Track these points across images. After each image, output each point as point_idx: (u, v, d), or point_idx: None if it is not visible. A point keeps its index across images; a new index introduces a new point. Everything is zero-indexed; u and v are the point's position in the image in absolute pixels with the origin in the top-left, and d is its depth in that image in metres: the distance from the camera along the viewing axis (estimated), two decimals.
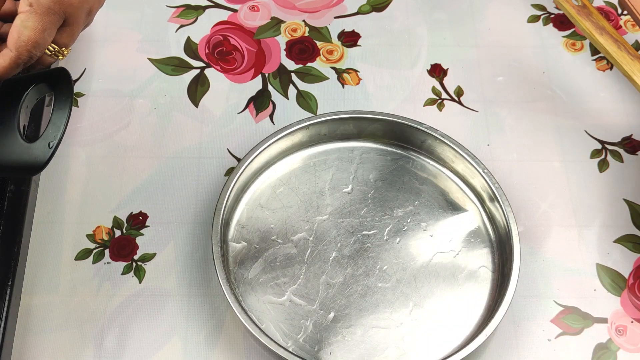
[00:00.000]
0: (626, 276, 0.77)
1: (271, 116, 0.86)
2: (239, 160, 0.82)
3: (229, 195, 0.75)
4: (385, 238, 0.77)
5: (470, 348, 0.68)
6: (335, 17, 0.94)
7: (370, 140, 0.82)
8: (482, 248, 0.77)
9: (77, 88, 0.85)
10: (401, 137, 0.81)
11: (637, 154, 0.85)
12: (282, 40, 0.91)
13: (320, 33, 0.92)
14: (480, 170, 0.77)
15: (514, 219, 0.74)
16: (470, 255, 0.76)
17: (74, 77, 0.70)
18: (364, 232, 0.77)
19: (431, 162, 0.81)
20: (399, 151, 0.81)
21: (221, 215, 0.73)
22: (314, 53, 0.91)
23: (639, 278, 0.77)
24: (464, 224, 0.78)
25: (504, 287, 0.71)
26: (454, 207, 0.79)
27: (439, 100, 0.88)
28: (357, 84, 0.89)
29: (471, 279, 0.75)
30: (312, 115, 0.80)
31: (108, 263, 0.76)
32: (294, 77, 0.89)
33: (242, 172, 0.76)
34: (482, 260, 0.76)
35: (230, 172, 0.81)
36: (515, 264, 0.72)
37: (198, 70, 0.89)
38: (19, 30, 0.57)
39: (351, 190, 0.79)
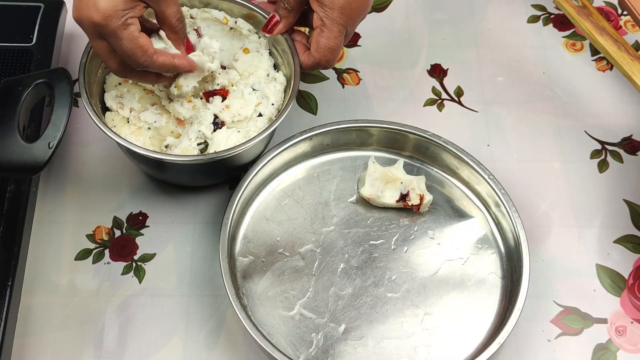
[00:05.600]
0: (626, 276, 0.77)
1: None
2: None
3: (234, 210, 0.74)
4: (392, 247, 0.76)
5: (484, 357, 0.67)
6: None
7: (373, 149, 0.81)
8: (490, 255, 0.76)
9: (77, 88, 0.85)
10: (405, 145, 0.81)
11: (637, 155, 0.85)
12: None
13: None
14: (486, 177, 0.76)
15: (521, 224, 0.74)
16: (478, 262, 0.76)
17: (73, 77, 0.70)
18: (371, 242, 0.77)
19: (435, 169, 0.81)
20: (403, 159, 0.80)
21: (227, 230, 0.72)
22: None
23: (638, 278, 0.77)
24: (471, 230, 0.78)
25: (515, 293, 0.71)
26: (460, 214, 0.79)
27: (439, 101, 0.88)
28: (357, 84, 0.89)
29: (481, 286, 0.75)
30: (315, 124, 0.79)
31: (108, 263, 0.76)
32: None
33: (247, 186, 0.75)
34: (490, 267, 0.76)
35: (234, 184, 0.81)
36: (525, 270, 0.71)
37: None
38: (317, 39, 0.72)
39: (356, 200, 0.79)
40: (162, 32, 0.71)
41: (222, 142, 0.73)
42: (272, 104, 0.76)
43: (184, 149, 0.73)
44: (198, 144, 0.74)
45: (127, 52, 0.66)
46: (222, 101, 0.76)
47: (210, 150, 0.73)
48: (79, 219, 0.79)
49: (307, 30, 0.78)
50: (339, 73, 0.89)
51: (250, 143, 0.71)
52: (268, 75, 0.78)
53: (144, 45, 0.67)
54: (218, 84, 0.76)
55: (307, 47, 0.75)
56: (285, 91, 0.77)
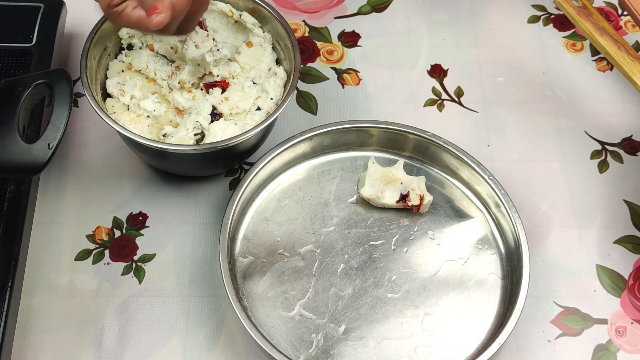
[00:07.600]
0: (626, 277, 0.77)
1: None
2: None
3: (234, 210, 0.74)
4: (392, 248, 0.76)
5: (484, 357, 0.67)
6: (336, 18, 0.94)
7: (373, 149, 0.81)
8: (490, 255, 0.76)
9: (77, 88, 0.85)
10: (405, 145, 0.81)
11: (637, 155, 0.85)
12: None
13: (321, 33, 0.92)
14: (486, 177, 0.76)
15: (521, 225, 0.73)
16: (478, 262, 0.76)
17: (73, 78, 0.70)
18: (371, 243, 0.77)
19: (436, 169, 0.81)
20: (403, 159, 0.80)
21: (227, 230, 0.72)
22: (314, 53, 0.91)
23: (638, 279, 0.77)
24: (471, 231, 0.78)
25: (515, 294, 0.71)
26: (460, 215, 0.79)
27: (439, 101, 0.88)
28: (357, 84, 0.89)
29: (481, 286, 0.74)
30: (315, 125, 0.79)
31: (108, 264, 0.76)
32: None
33: (247, 186, 0.75)
34: (491, 267, 0.76)
35: (234, 184, 0.80)
36: (525, 270, 0.71)
37: None
38: None
39: (356, 200, 0.79)
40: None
41: (219, 134, 0.74)
42: (271, 99, 0.76)
43: (180, 138, 0.74)
44: (195, 134, 0.74)
45: None
46: (222, 93, 0.76)
47: (207, 141, 0.74)
48: (79, 219, 0.79)
49: None
50: (339, 73, 0.89)
51: (245, 135, 0.72)
52: (270, 69, 0.78)
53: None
54: (218, 75, 0.76)
55: None
56: (285, 86, 0.77)
